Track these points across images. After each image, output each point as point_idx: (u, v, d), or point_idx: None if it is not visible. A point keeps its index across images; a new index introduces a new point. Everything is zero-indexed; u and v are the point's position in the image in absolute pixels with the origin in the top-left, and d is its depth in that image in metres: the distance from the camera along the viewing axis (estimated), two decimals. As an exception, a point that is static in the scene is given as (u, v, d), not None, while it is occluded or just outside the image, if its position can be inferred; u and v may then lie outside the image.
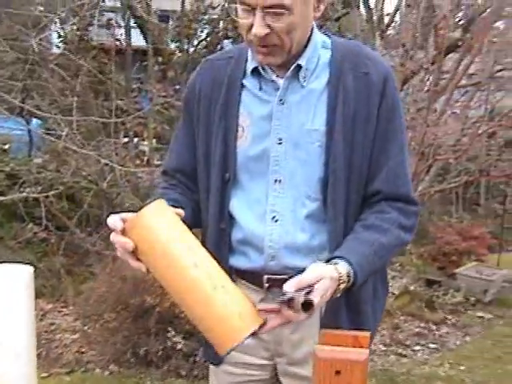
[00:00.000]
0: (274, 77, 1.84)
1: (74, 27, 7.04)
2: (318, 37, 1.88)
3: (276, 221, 1.84)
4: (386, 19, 8.49)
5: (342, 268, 1.63)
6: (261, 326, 1.58)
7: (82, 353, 5.01)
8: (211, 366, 2.10)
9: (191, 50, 8.05)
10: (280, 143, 1.83)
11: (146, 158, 8.02)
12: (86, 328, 4.97)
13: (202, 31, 8.05)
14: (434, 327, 6.26)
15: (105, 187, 6.49)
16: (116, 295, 4.63)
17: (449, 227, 8.18)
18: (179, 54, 7.94)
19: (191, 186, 2.01)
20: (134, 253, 1.58)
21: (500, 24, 7.44)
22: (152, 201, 1.60)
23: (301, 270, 1.60)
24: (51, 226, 6.49)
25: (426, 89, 6.40)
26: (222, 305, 1.53)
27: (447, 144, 6.15)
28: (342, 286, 1.62)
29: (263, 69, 1.85)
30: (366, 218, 1.83)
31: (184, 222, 1.63)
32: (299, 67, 1.82)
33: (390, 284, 4.92)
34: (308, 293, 1.51)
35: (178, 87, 7.53)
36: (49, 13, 7.10)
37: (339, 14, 7.34)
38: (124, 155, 7.04)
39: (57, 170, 6.93)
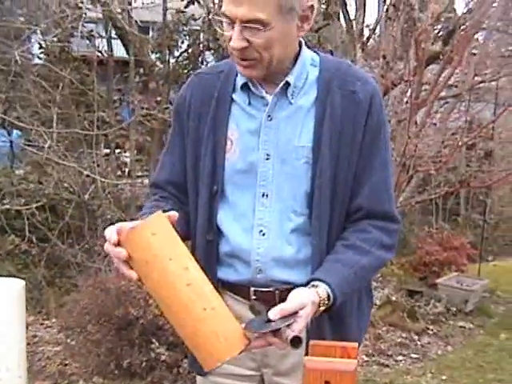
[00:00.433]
0: (263, 93, 1.86)
1: (55, 39, 7.02)
2: (307, 54, 1.90)
3: (263, 234, 1.86)
4: (366, 31, 8.55)
5: (323, 291, 1.66)
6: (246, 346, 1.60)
7: (66, 365, 4.98)
8: (198, 377, 2.10)
9: (172, 61, 8.06)
10: (268, 159, 1.85)
11: (127, 170, 8.01)
12: (69, 340, 4.94)
13: (182, 42, 8.07)
14: (416, 337, 6.29)
15: (86, 199, 6.48)
16: (99, 307, 4.61)
17: (430, 238, 8.23)
18: (161, 66, 7.95)
19: (182, 199, 2.00)
20: (127, 262, 1.60)
21: (480, 36, 7.53)
22: (150, 214, 1.61)
23: (287, 283, 1.63)
24: (33, 237, 6.46)
25: (405, 100, 6.44)
26: (210, 325, 1.55)
27: (428, 155, 6.19)
28: (322, 308, 1.66)
29: (253, 84, 1.87)
30: (347, 237, 1.84)
31: (177, 232, 1.63)
32: (288, 84, 1.84)
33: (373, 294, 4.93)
34: (292, 323, 1.54)
35: (159, 99, 7.54)
36: (30, 24, 7.10)
37: (319, 25, 7.37)
38: (105, 167, 7.03)
39: (38, 182, 6.91)
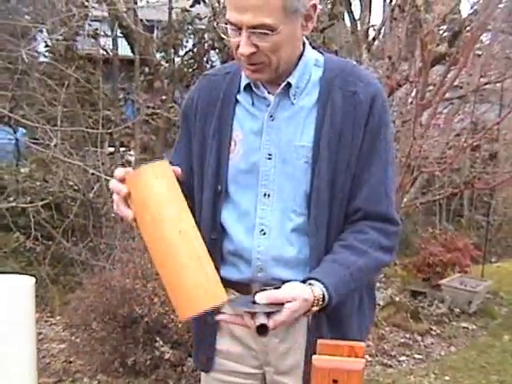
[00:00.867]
0: (265, 93, 1.88)
1: (61, 37, 7.03)
2: (311, 54, 1.91)
3: (264, 234, 1.88)
4: (372, 31, 8.56)
5: (318, 291, 1.66)
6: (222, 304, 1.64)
7: (70, 362, 5.00)
8: (202, 374, 2.12)
9: (177, 60, 8.07)
10: (269, 158, 1.87)
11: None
12: (73, 338, 4.94)
13: (187, 41, 8.08)
14: (419, 338, 6.29)
15: (91, 197, 6.49)
16: (104, 305, 4.61)
17: (433, 239, 8.22)
18: (166, 65, 7.96)
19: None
20: (127, 200, 1.65)
21: (485, 37, 7.53)
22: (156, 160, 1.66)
23: (287, 282, 1.66)
24: (38, 235, 6.47)
25: (410, 101, 6.45)
26: (193, 275, 1.60)
27: (433, 156, 6.19)
28: (315, 309, 1.66)
29: (255, 85, 1.89)
30: (345, 237, 1.85)
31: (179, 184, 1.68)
32: (289, 85, 1.86)
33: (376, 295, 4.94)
34: (274, 312, 1.57)
35: (164, 98, 7.55)
36: (37, 22, 7.11)
37: (324, 25, 7.39)
38: (110, 165, 7.04)
39: (43, 180, 6.92)
